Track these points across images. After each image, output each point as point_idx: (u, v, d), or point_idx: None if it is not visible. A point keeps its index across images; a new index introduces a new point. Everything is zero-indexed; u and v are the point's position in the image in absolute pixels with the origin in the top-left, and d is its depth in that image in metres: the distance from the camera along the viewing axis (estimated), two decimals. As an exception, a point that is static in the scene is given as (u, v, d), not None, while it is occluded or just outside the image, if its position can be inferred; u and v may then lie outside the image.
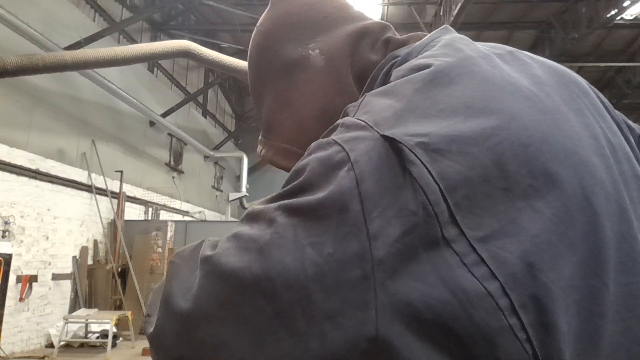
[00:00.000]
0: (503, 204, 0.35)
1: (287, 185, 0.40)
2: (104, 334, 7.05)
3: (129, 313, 7.30)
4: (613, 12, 9.14)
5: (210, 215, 14.42)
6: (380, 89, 0.45)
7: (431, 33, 0.54)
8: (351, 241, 0.34)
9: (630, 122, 0.54)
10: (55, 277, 7.50)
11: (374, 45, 0.58)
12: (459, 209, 0.35)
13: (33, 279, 6.92)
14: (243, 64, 6.03)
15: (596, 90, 0.52)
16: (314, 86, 0.57)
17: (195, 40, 8.12)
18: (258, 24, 0.65)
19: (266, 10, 0.65)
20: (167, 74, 12.16)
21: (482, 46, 0.50)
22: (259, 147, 0.64)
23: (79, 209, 8.16)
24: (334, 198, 0.36)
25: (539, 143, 0.38)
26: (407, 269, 0.33)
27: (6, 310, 6.16)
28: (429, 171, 0.35)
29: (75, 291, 7.90)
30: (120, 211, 9.03)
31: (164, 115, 10.87)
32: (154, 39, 11.30)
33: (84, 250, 8.16)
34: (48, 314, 7.33)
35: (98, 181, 8.55)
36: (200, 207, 13.75)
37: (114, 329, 6.86)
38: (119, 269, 8.54)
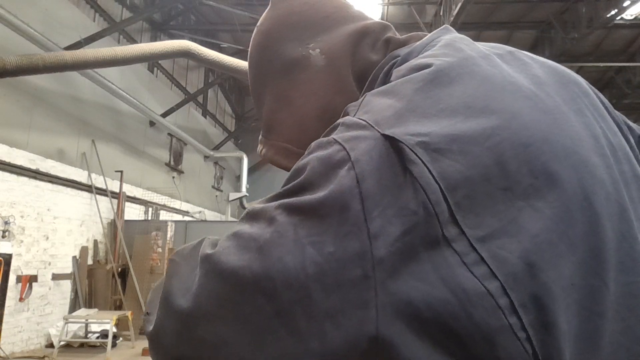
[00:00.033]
0: (503, 204, 0.35)
1: (288, 184, 0.40)
2: (104, 334, 7.05)
3: (129, 313, 7.29)
4: (613, 12, 9.15)
5: (210, 215, 14.42)
6: (381, 88, 0.45)
7: (431, 33, 0.54)
8: (352, 240, 0.34)
9: (630, 123, 0.54)
10: (55, 277, 7.49)
11: (374, 45, 0.58)
12: (460, 209, 0.35)
13: (33, 279, 6.92)
14: (243, 64, 6.02)
15: (596, 90, 0.52)
16: (315, 86, 0.57)
17: (195, 40, 8.12)
18: (258, 23, 0.65)
19: (266, 10, 0.65)
20: (167, 74, 12.16)
21: (482, 46, 0.50)
22: (260, 147, 0.64)
23: (79, 209, 8.15)
24: (335, 197, 0.36)
25: (539, 143, 0.38)
26: (407, 268, 0.33)
27: (6, 310, 6.16)
28: (429, 170, 0.35)
29: (75, 291, 7.90)
30: (120, 211, 9.03)
31: (164, 115, 10.86)
32: (154, 39, 11.30)
33: (84, 250, 8.16)
34: (48, 314, 7.33)
35: (98, 181, 8.55)
36: (200, 207, 13.75)
37: (114, 329, 6.85)
38: (119, 269, 8.54)
